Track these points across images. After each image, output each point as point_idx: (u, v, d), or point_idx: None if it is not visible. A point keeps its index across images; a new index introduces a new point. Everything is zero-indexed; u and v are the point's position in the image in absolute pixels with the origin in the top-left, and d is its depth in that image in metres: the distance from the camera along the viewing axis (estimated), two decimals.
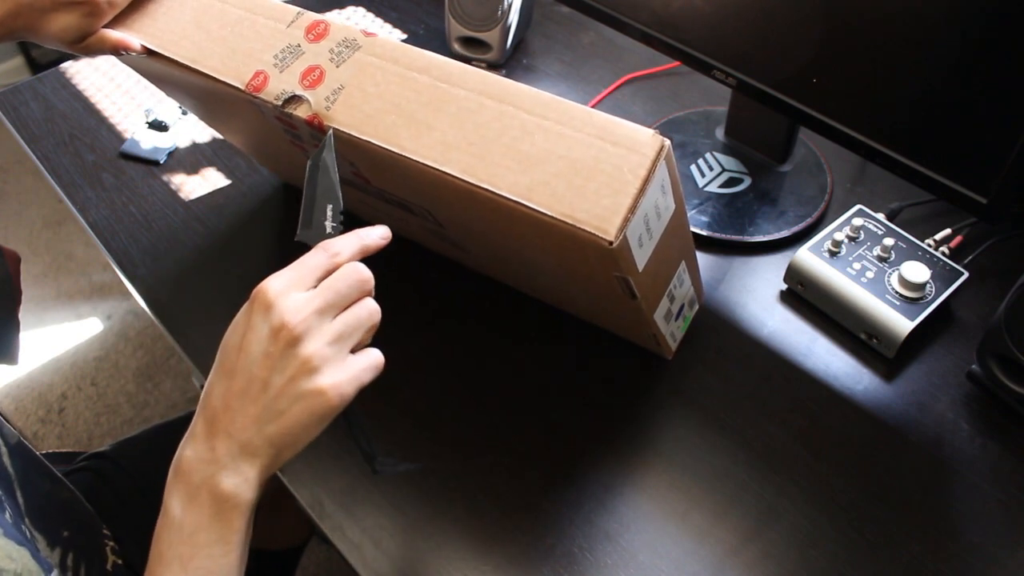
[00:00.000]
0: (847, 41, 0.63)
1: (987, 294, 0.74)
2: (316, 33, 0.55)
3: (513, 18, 0.94)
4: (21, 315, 0.67)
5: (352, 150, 0.53)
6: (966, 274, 0.70)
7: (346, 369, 0.45)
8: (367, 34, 0.54)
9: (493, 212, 0.50)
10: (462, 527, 0.60)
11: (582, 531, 0.60)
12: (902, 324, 0.67)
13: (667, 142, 0.47)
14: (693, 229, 0.78)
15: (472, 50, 0.97)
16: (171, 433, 0.85)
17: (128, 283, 0.77)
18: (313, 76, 0.53)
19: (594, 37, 1.03)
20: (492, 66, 0.97)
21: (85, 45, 0.60)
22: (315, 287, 0.46)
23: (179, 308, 0.75)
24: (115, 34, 0.59)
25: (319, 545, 1.33)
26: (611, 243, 0.46)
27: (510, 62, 1.00)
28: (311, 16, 0.56)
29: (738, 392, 0.67)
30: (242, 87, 0.55)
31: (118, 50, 0.59)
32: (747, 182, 0.83)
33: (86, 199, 0.84)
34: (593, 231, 0.46)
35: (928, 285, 0.69)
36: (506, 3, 0.91)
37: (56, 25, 0.58)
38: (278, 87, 0.54)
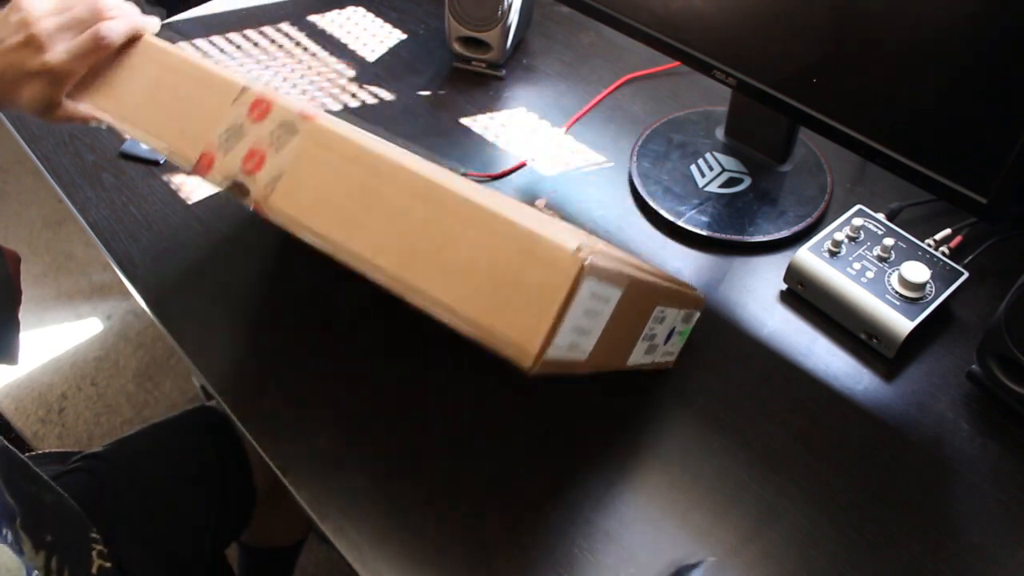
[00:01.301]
0: (847, 41, 0.64)
1: (987, 294, 0.74)
2: (259, 112, 0.55)
3: (513, 18, 0.94)
4: (21, 315, 0.67)
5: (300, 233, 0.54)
6: (966, 274, 0.70)
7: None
8: (305, 117, 0.53)
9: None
10: (462, 527, 0.60)
11: (582, 531, 0.60)
12: (902, 324, 0.67)
13: (590, 259, 0.44)
14: (693, 229, 0.78)
15: (472, 50, 0.97)
16: (165, 433, 0.85)
17: (128, 283, 0.77)
18: (254, 161, 0.53)
19: (594, 37, 1.03)
20: (492, 66, 0.98)
21: (56, 116, 0.61)
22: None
23: (179, 308, 0.75)
24: (83, 108, 0.61)
25: (319, 545, 1.33)
26: (529, 368, 0.44)
27: (510, 62, 1.00)
28: (255, 92, 0.56)
29: (738, 392, 0.67)
30: (190, 168, 0.56)
31: (87, 122, 0.61)
32: (747, 182, 0.83)
33: (86, 199, 0.84)
34: (513, 355, 0.44)
35: (928, 285, 0.69)
36: (506, 3, 0.91)
37: (25, 95, 0.60)
38: (223, 169, 0.54)
